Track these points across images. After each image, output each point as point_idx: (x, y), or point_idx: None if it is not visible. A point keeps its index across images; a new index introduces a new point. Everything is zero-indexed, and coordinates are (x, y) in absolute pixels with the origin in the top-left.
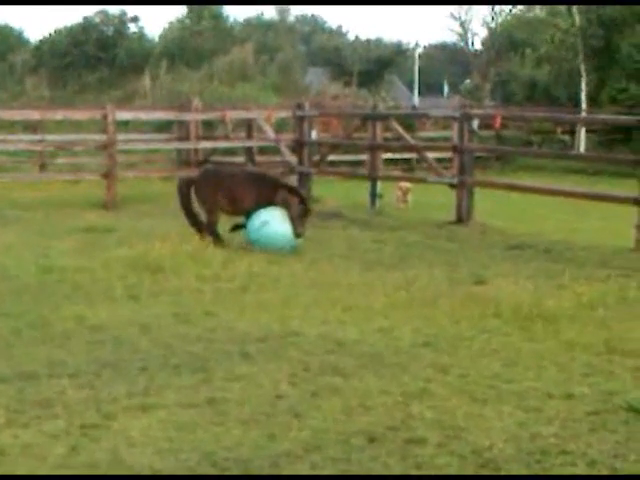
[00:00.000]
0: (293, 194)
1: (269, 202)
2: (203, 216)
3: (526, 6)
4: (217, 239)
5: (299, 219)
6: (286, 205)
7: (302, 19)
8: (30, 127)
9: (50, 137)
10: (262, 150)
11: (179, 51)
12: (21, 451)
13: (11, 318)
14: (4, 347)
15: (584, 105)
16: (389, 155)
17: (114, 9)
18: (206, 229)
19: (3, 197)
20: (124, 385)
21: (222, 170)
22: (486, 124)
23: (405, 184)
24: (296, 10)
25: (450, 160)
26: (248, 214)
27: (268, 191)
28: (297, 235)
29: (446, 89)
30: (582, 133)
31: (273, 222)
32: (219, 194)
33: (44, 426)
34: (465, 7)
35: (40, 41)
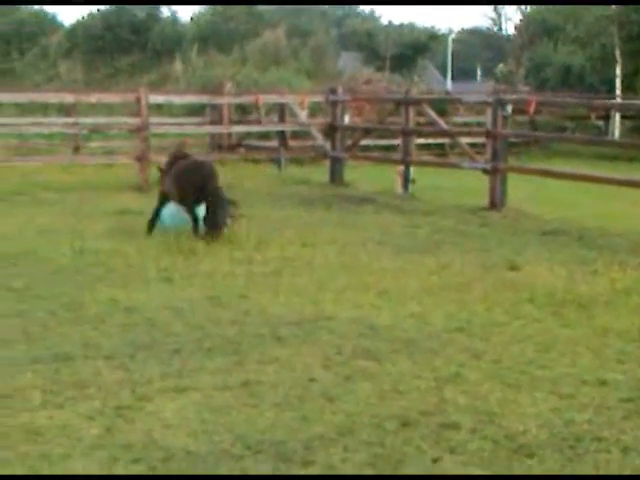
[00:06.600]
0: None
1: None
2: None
3: None
4: (150, 224)
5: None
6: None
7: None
8: (64, 110)
9: (84, 120)
10: (295, 134)
11: (211, 35)
12: (57, 432)
13: (46, 300)
14: (39, 329)
15: (618, 91)
16: (422, 140)
17: None
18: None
19: (37, 180)
20: (158, 367)
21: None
22: (520, 109)
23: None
24: None
25: (483, 145)
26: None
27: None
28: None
29: (479, 74)
30: (617, 119)
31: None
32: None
33: (79, 407)
34: None
35: (74, 25)
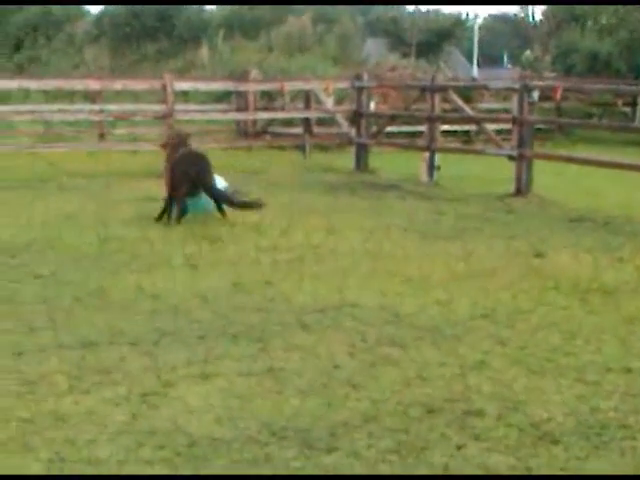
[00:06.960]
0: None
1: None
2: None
3: None
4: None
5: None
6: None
7: None
8: (90, 97)
9: (109, 107)
10: (320, 121)
11: (236, 22)
12: (82, 417)
13: (71, 287)
14: (65, 315)
15: None
16: (447, 127)
17: None
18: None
19: (63, 167)
20: (183, 354)
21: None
22: (546, 96)
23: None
24: None
25: (509, 132)
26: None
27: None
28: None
29: (506, 60)
30: None
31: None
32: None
33: (105, 393)
34: None
35: (101, 12)
